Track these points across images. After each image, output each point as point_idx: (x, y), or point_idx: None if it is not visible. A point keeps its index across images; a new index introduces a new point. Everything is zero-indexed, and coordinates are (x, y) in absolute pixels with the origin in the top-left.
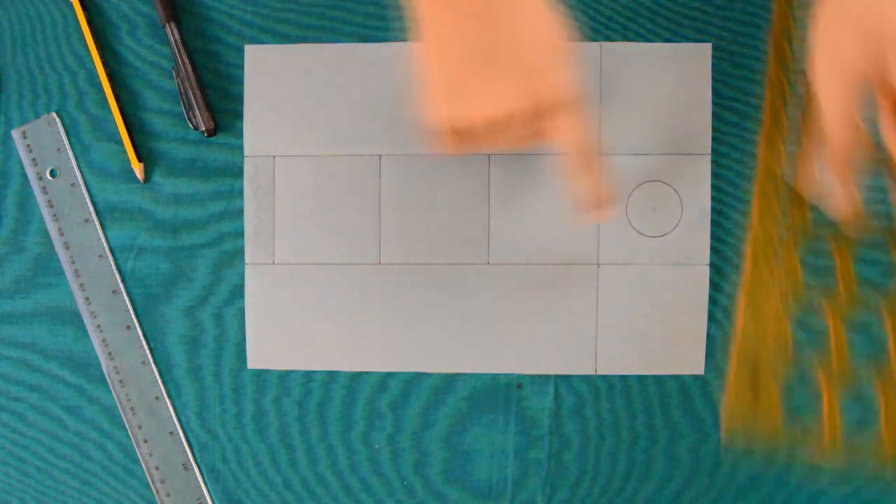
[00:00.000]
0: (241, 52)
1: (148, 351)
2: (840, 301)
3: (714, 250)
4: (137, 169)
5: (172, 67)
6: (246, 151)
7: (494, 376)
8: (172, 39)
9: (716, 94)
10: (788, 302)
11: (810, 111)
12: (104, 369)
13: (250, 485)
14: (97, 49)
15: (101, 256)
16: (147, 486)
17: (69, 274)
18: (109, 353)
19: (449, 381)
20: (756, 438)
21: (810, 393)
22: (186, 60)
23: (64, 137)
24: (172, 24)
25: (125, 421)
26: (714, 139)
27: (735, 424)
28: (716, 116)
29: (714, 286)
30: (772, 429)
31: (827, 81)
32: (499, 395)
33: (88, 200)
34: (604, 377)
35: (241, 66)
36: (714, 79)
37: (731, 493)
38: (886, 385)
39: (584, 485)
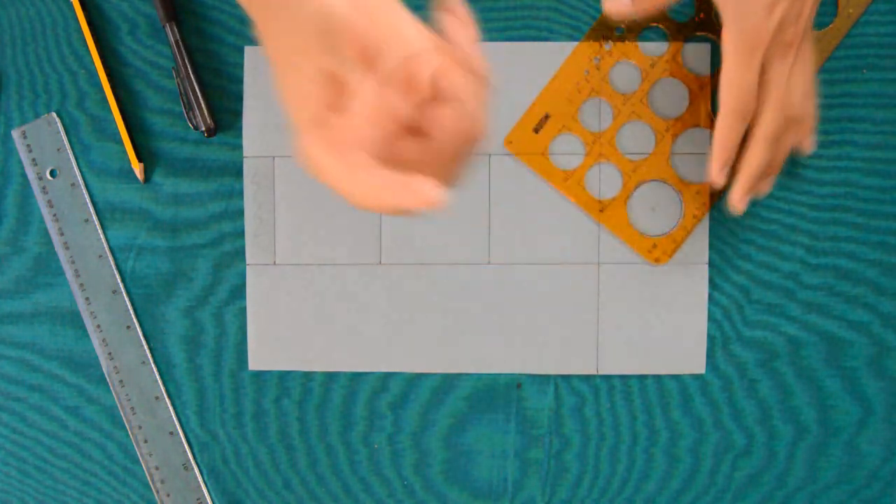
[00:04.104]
0: (241, 52)
1: (148, 351)
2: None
3: (713, 250)
4: (137, 169)
5: (172, 67)
6: (246, 152)
7: (494, 376)
8: (172, 39)
9: (716, 94)
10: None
11: None
12: (104, 369)
13: (250, 485)
14: (97, 49)
15: (101, 256)
16: (147, 486)
17: (69, 274)
18: (109, 353)
19: (449, 381)
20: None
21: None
22: (186, 60)
23: (64, 137)
24: (172, 24)
25: (125, 421)
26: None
27: (513, 139)
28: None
29: (713, 286)
30: (540, 161)
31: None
32: (499, 395)
33: (88, 200)
34: (604, 377)
35: (241, 66)
36: (714, 79)
37: (731, 493)
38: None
39: (584, 485)
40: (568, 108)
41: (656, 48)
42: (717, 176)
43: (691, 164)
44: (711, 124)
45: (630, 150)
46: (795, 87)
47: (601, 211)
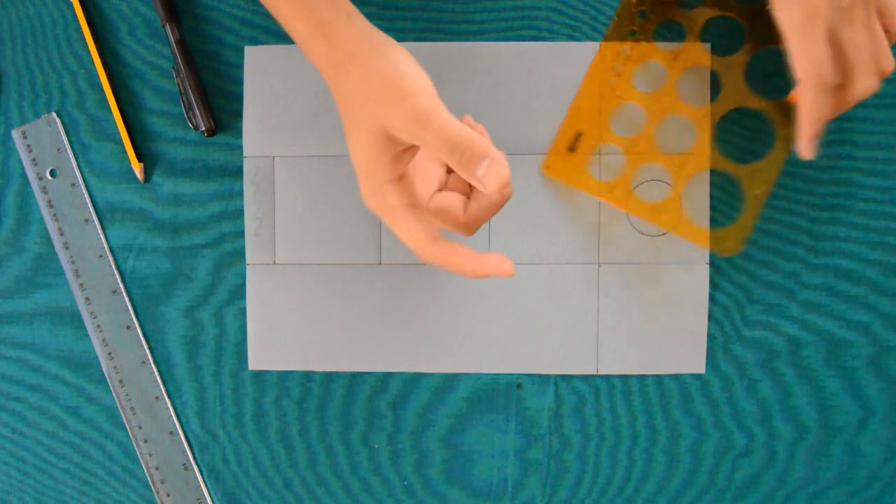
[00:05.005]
0: (240, 52)
1: (148, 351)
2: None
3: None
4: (137, 169)
5: (172, 67)
6: (246, 152)
7: (494, 376)
8: (172, 39)
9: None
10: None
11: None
12: (104, 369)
13: (250, 485)
14: (97, 49)
15: (101, 256)
16: (147, 486)
17: (69, 274)
18: (109, 353)
19: (449, 381)
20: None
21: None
22: (186, 60)
23: (64, 137)
24: (172, 24)
25: (125, 421)
26: (714, 139)
27: (551, 164)
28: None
29: (714, 286)
30: (582, 178)
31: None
32: (499, 395)
33: (88, 200)
34: (604, 377)
35: (240, 67)
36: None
37: (731, 493)
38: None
39: (584, 485)
40: (599, 120)
41: (674, 43)
42: (806, 150)
43: (740, 145)
44: (757, 100)
45: (673, 148)
46: (881, 42)
47: (657, 214)
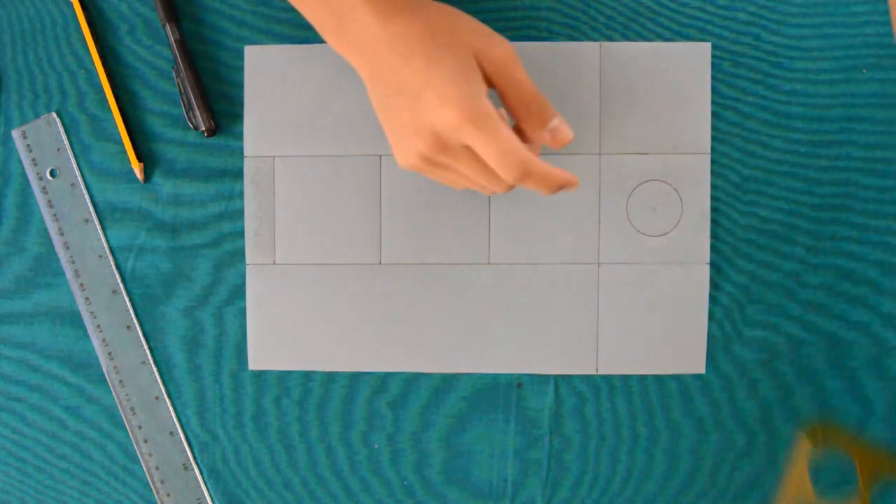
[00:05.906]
0: (240, 52)
1: (148, 351)
2: None
3: (714, 250)
4: (137, 169)
5: (172, 67)
6: (246, 152)
7: (494, 376)
8: (172, 39)
9: (716, 93)
10: None
11: None
12: (104, 369)
13: (250, 485)
14: (97, 49)
15: (101, 256)
16: (147, 486)
17: (69, 274)
18: (109, 353)
19: (449, 381)
20: None
21: None
22: (186, 61)
23: (64, 137)
24: (172, 25)
25: (125, 421)
26: (714, 139)
27: None
28: (716, 116)
29: (714, 286)
30: None
31: None
32: (499, 395)
33: (88, 200)
34: (604, 377)
35: (240, 67)
36: (714, 78)
37: (731, 493)
38: None
39: (584, 485)
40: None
41: None
42: None
43: None
44: None
45: None
46: None
47: None
